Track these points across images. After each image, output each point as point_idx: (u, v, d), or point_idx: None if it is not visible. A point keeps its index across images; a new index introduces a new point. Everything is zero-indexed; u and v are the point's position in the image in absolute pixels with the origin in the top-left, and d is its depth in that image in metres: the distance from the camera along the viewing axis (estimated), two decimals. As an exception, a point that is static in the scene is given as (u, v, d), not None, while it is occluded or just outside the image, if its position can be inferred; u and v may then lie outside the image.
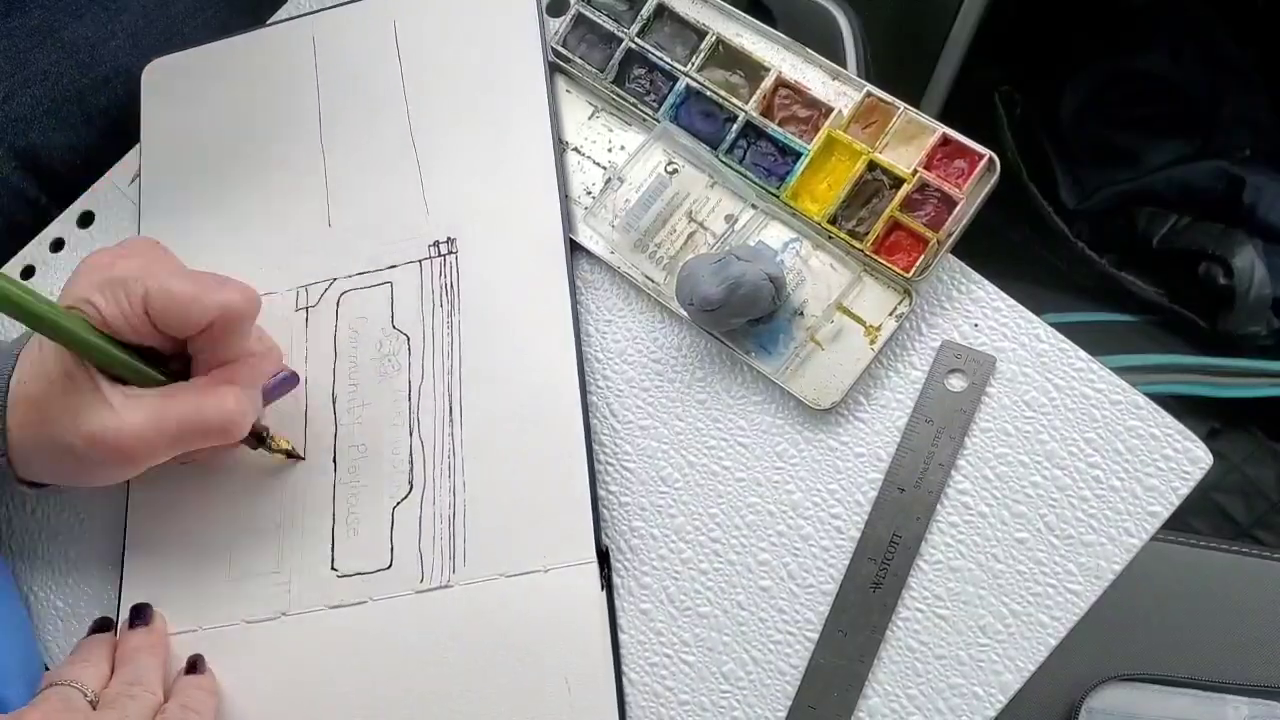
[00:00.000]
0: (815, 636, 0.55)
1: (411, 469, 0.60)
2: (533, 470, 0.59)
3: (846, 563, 0.55)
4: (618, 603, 0.57)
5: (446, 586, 0.58)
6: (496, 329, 0.62)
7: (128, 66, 0.75)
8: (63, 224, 0.73)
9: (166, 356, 0.57)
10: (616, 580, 0.57)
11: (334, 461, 0.62)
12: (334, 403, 0.63)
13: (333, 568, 0.60)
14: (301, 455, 0.62)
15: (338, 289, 0.65)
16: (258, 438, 0.60)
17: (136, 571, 0.62)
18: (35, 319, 0.51)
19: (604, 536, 0.58)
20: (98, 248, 0.57)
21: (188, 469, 0.62)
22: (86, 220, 0.72)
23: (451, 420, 0.61)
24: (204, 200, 0.69)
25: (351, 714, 0.57)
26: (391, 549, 0.59)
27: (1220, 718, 0.82)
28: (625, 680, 0.56)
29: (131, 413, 0.53)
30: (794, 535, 0.57)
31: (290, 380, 0.61)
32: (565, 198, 0.64)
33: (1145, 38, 1.22)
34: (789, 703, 0.54)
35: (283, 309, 0.66)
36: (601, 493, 0.59)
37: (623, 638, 0.57)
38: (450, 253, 0.64)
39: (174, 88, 0.73)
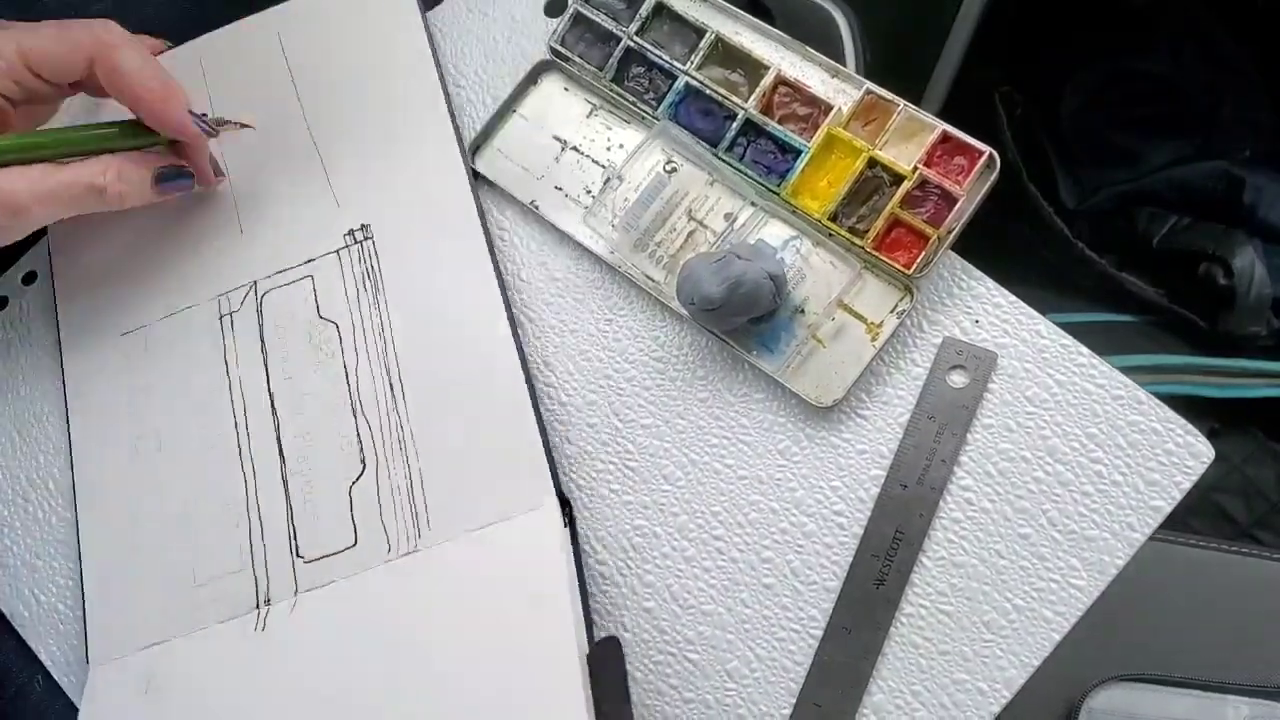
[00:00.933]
0: (819, 633, 0.55)
1: (361, 448, 0.61)
2: (482, 427, 0.60)
3: (850, 560, 0.55)
4: (621, 600, 0.57)
5: (414, 552, 0.59)
6: (423, 300, 0.64)
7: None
8: None
9: None
10: (619, 578, 0.57)
11: (280, 455, 0.63)
12: (271, 399, 0.64)
13: (298, 554, 0.61)
14: (252, 124, 0.65)
15: (259, 290, 0.66)
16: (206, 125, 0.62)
17: (100, 600, 0.63)
18: None
19: (564, 479, 0.59)
20: None
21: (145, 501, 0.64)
22: None
23: (394, 395, 0.62)
24: (110, 223, 0.69)
25: (340, 694, 0.57)
26: (354, 527, 0.60)
27: (1220, 718, 0.82)
28: (629, 678, 0.56)
29: (26, 174, 0.57)
30: (797, 533, 0.57)
31: (184, 176, 0.64)
32: (463, 151, 0.66)
33: (1145, 38, 1.21)
34: (793, 700, 0.54)
35: (205, 318, 0.67)
36: (605, 491, 0.59)
37: (626, 636, 0.57)
38: (366, 239, 0.65)
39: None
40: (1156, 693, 0.83)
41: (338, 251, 0.66)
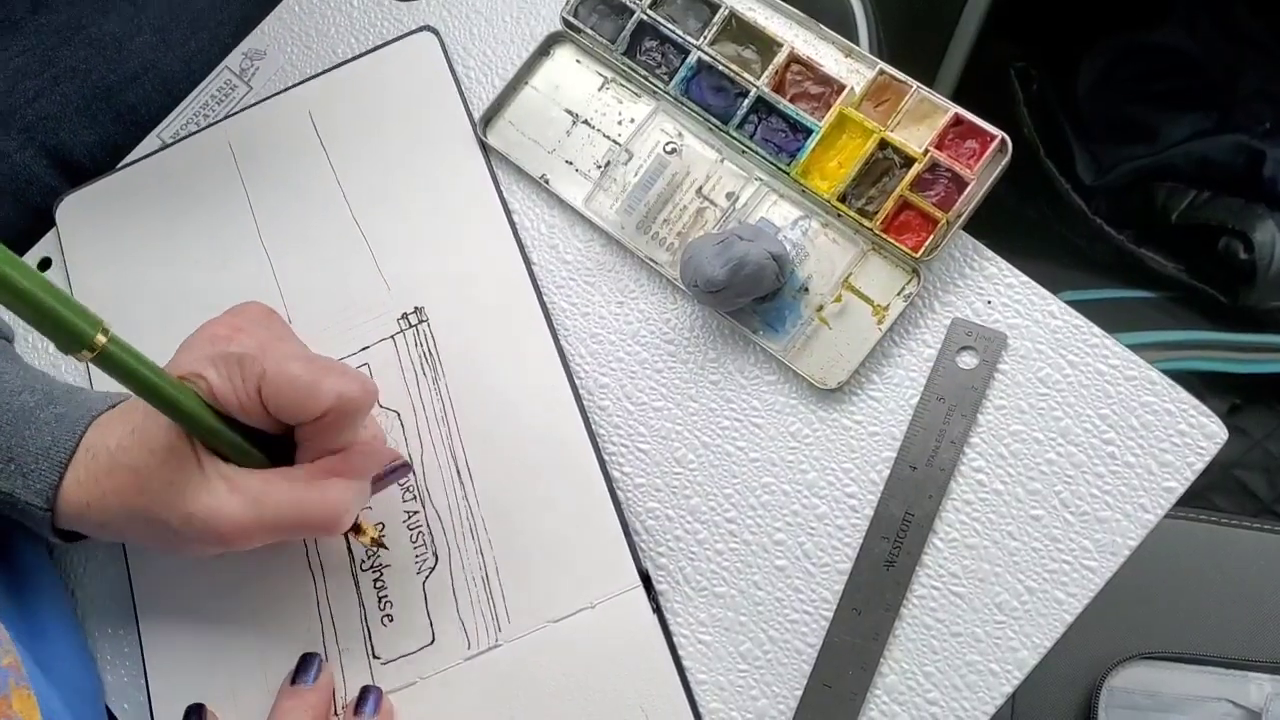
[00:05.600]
0: (831, 615, 0.55)
1: (432, 540, 0.60)
2: (555, 511, 0.58)
3: (861, 541, 0.56)
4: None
5: (495, 647, 0.57)
6: (486, 383, 0.62)
7: (155, 62, 0.75)
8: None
9: (270, 436, 0.55)
10: (643, 563, 0.57)
11: (349, 551, 0.61)
12: None
13: (375, 655, 0.58)
14: (387, 546, 0.60)
15: None
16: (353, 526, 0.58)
17: (166, 697, 0.60)
18: (146, 387, 0.49)
19: (643, 559, 0.58)
20: (210, 319, 0.55)
21: (203, 589, 0.61)
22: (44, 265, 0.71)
23: (462, 483, 0.60)
24: (151, 322, 0.66)
25: None
26: (431, 624, 0.58)
27: (1243, 695, 0.82)
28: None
29: (232, 497, 0.52)
30: (809, 515, 0.57)
31: (402, 470, 0.58)
32: (514, 228, 0.64)
33: (1161, 11, 1.21)
34: (805, 681, 0.54)
35: None
36: (616, 474, 0.59)
37: (638, 618, 0.57)
38: (421, 322, 0.64)
39: (94, 220, 0.70)
40: (1178, 670, 0.83)
41: (393, 337, 0.64)
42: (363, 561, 0.60)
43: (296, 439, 0.54)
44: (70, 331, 0.46)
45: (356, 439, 0.54)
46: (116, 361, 0.48)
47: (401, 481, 0.60)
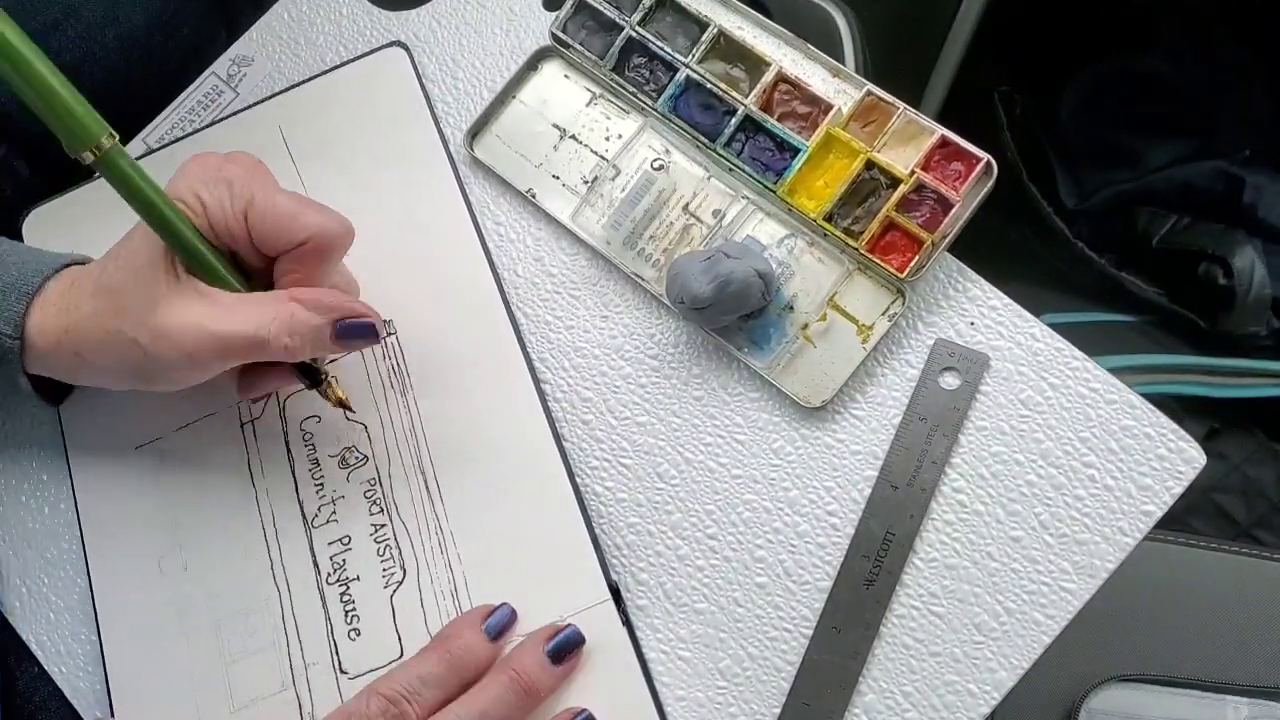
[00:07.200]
0: (811, 633, 0.55)
1: (400, 554, 0.59)
2: (525, 526, 0.58)
3: (842, 560, 0.56)
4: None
5: None
6: (454, 397, 0.61)
7: (76, 7, 0.73)
8: None
9: (249, 271, 0.57)
10: (613, 576, 0.57)
11: (314, 565, 0.60)
12: (301, 508, 0.61)
13: (342, 670, 0.58)
14: (353, 409, 0.61)
15: (280, 395, 0.64)
16: (314, 377, 0.58)
17: (128, 716, 0.59)
18: (142, 199, 0.52)
19: (612, 572, 0.57)
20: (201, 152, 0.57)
21: (164, 618, 0.60)
22: None
23: (430, 497, 0.60)
24: None
25: None
26: (399, 637, 0.58)
27: (1220, 718, 0.82)
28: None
29: (204, 309, 0.53)
30: (790, 532, 0.57)
31: (369, 331, 0.56)
32: (484, 244, 0.64)
33: (1145, 38, 1.22)
34: (784, 699, 0.54)
35: (224, 427, 0.63)
36: (598, 488, 0.59)
37: (618, 634, 0.57)
38: (390, 335, 0.63)
39: (61, 234, 0.68)
40: (1156, 693, 0.83)
41: (361, 350, 0.63)
42: (329, 575, 0.59)
43: (275, 274, 0.56)
44: (81, 126, 0.49)
45: (329, 281, 0.57)
46: (117, 168, 0.51)
47: (378, 339, 0.58)
